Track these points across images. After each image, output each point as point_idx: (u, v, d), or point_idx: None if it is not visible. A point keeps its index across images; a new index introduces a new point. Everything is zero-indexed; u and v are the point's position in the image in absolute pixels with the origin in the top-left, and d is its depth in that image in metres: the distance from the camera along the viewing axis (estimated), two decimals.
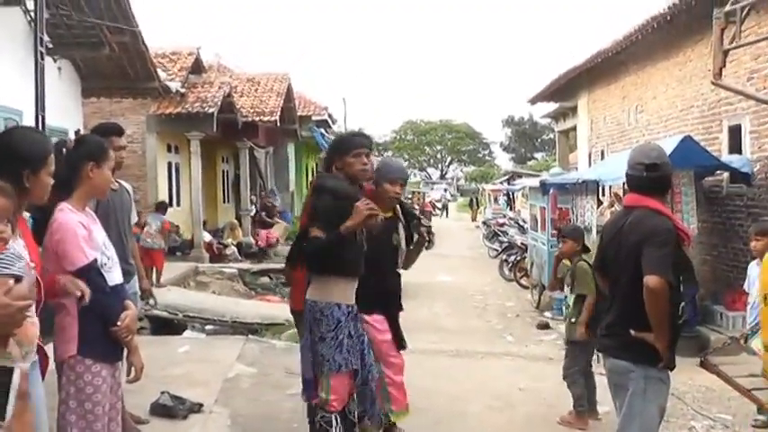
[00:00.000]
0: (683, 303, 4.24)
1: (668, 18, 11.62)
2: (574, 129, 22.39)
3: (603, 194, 14.70)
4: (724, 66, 4.17)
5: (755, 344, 5.91)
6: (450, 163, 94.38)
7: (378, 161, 5.83)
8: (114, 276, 3.67)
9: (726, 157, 10.85)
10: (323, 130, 28.63)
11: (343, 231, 4.47)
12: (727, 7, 4.11)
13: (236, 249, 19.54)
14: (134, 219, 5.70)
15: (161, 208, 15.44)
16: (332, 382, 4.59)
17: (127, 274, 4.61)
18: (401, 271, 5.64)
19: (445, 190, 69.53)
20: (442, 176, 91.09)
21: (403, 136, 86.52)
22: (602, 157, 17.30)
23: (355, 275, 4.72)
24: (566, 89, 20.21)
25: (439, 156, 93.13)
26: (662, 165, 4.13)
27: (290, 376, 7.00)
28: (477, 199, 46.62)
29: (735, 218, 10.88)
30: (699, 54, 12.08)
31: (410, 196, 40.96)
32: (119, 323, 3.53)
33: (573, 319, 6.37)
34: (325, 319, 4.59)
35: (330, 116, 30.85)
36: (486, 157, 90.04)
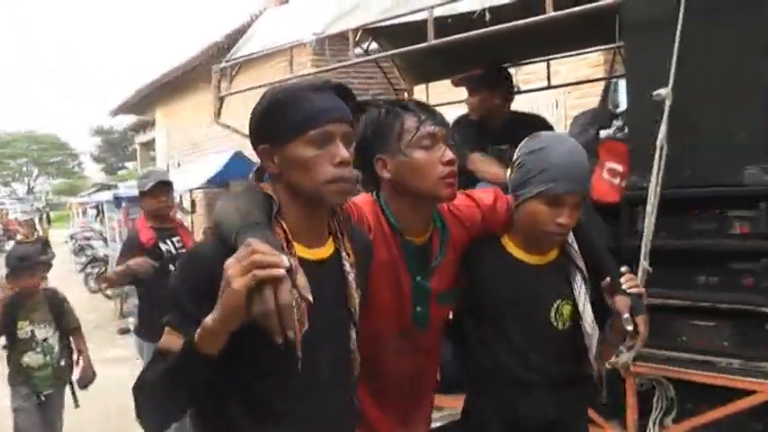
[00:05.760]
0: None
1: (226, 47, 12.91)
2: (154, 140, 23.13)
3: (181, 203, 15.74)
4: (221, 108, 5.32)
5: None
6: (38, 176, 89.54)
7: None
8: None
9: None
10: None
11: (198, 338, 1.59)
12: (222, 65, 5.28)
13: None
14: None
15: None
16: None
17: None
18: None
19: (31, 205, 65.71)
20: (30, 191, 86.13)
21: None
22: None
23: None
24: (145, 102, 20.91)
25: (25, 169, 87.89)
26: None
27: None
28: (47, 214, 44.51)
29: None
30: (258, 77, 13.60)
31: None
32: None
33: None
34: None
35: None
36: (76, 169, 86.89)
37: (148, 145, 25.67)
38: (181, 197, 15.64)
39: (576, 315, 2.36)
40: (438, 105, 7.27)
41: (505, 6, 3.89)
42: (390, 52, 5.22)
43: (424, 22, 3.96)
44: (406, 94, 6.15)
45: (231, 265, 1.52)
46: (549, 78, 6.14)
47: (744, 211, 3.16)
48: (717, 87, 3.16)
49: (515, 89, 5.05)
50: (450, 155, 2.14)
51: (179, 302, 1.72)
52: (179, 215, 13.56)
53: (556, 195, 2.24)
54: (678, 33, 3.11)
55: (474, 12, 3.98)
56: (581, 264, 2.38)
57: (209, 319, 1.56)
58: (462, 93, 4.91)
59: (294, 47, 5.17)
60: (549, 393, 2.37)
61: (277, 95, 1.80)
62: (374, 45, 5.66)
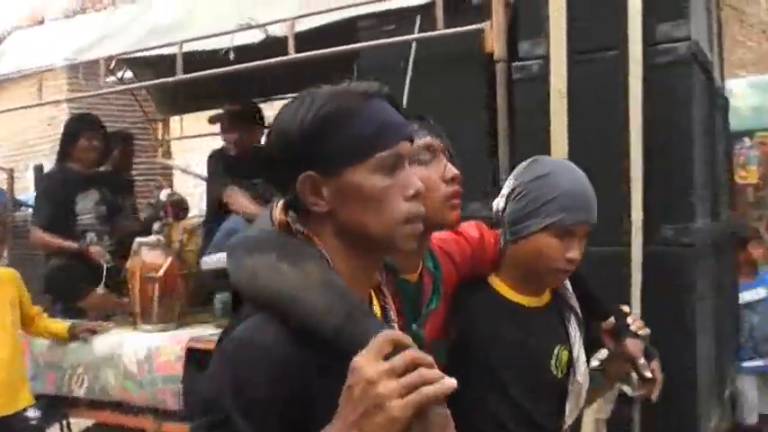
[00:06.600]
0: None
1: None
2: None
3: None
4: None
5: None
6: None
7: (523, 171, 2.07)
8: None
9: (30, 194, 11.89)
10: None
11: None
12: None
13: None
14: None
15: None
16: None
17: None
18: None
19: None
20: None
21: None
22: None
23: None
24: None
25: None
26: None
27: None
28: None
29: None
30: (8, 99, 12.92)
31: None
32: None
33: None
34: None
35: None
36: None
37: None
38: None
39: (571, 361, 2.05)
40: (194, 137, 7.34)
41: (251, 46, 4.07)
42: (141, 84, 5.23)
43: (175, 55, 4.04)
44: (161, 125, 6.15)
45: (380, 380, 1.03)
46: None
47: None
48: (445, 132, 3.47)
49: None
50: (452, 170, 1.76)
51: (229, 421, 1.15)
52: None
53: (569, 227, 1.92)
54: (407, 83, 3.41)
55: (221, 49, 4.12)
56: (576, 305, 2.08)
57: None
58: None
59: (47, 71, 5.04)
60: None
61: (326, 105, 1.27)
62: (129, 74, 5.63)
